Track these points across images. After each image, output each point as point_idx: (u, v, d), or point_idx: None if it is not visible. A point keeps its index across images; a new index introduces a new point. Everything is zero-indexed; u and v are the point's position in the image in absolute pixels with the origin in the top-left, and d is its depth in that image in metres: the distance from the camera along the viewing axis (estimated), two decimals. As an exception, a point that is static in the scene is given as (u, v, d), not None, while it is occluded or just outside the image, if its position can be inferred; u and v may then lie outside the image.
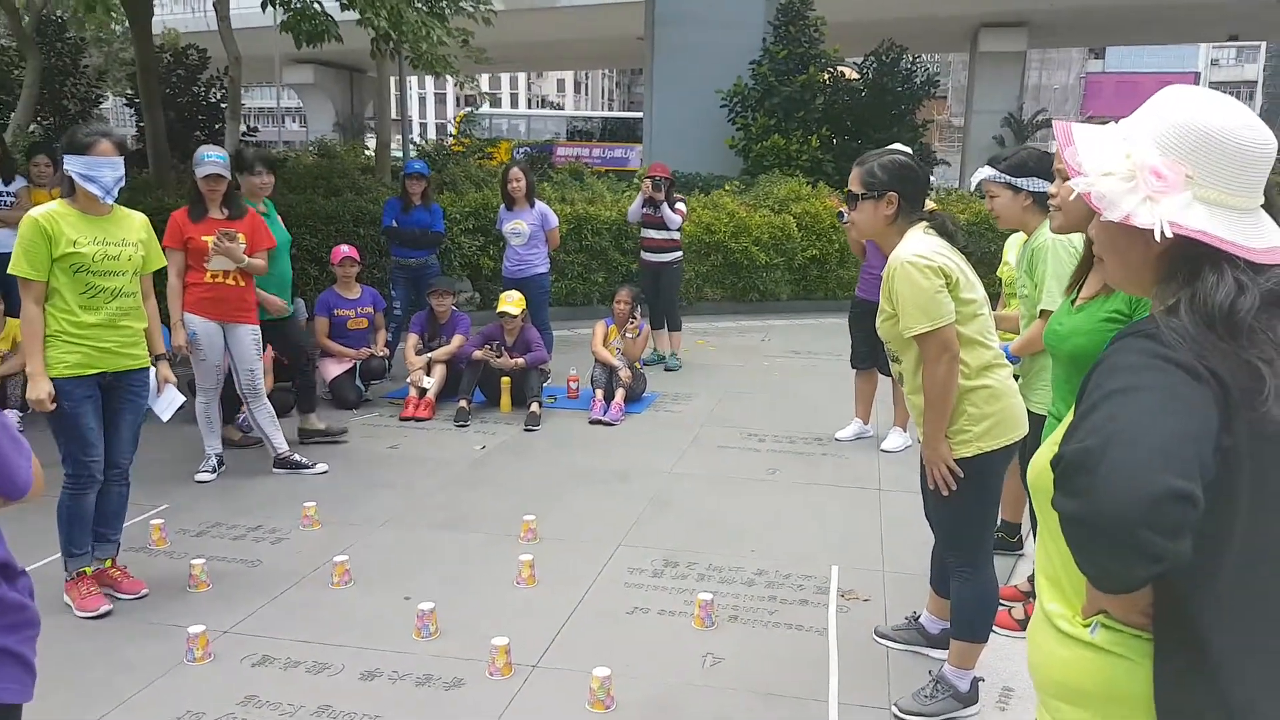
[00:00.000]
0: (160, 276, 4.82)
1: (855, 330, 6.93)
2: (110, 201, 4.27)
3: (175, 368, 4.77)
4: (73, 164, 4.13)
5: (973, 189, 4.08)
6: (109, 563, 4.44)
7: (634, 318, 8.04)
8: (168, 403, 4.66)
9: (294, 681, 3.69)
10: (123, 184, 4.24)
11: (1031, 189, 3.89)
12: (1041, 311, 3.79)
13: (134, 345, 4.38)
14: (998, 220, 4.08)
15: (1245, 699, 1.36)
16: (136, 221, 4.45)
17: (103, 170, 4.14)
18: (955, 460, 3.23)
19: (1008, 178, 3.93)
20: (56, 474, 4.00)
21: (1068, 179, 1.50)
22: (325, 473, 6.11)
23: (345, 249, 8.07)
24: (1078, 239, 3.64)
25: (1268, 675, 1.39)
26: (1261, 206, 1.43)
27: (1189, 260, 1.39)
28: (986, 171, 4.01)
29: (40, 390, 4.08)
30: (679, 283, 9.52)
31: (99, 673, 3.74)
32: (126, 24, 11.49)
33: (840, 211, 3.33)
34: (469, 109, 40.19)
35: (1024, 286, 3.96)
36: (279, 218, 6.61)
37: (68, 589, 4.28)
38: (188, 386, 5.86)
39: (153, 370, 4.53)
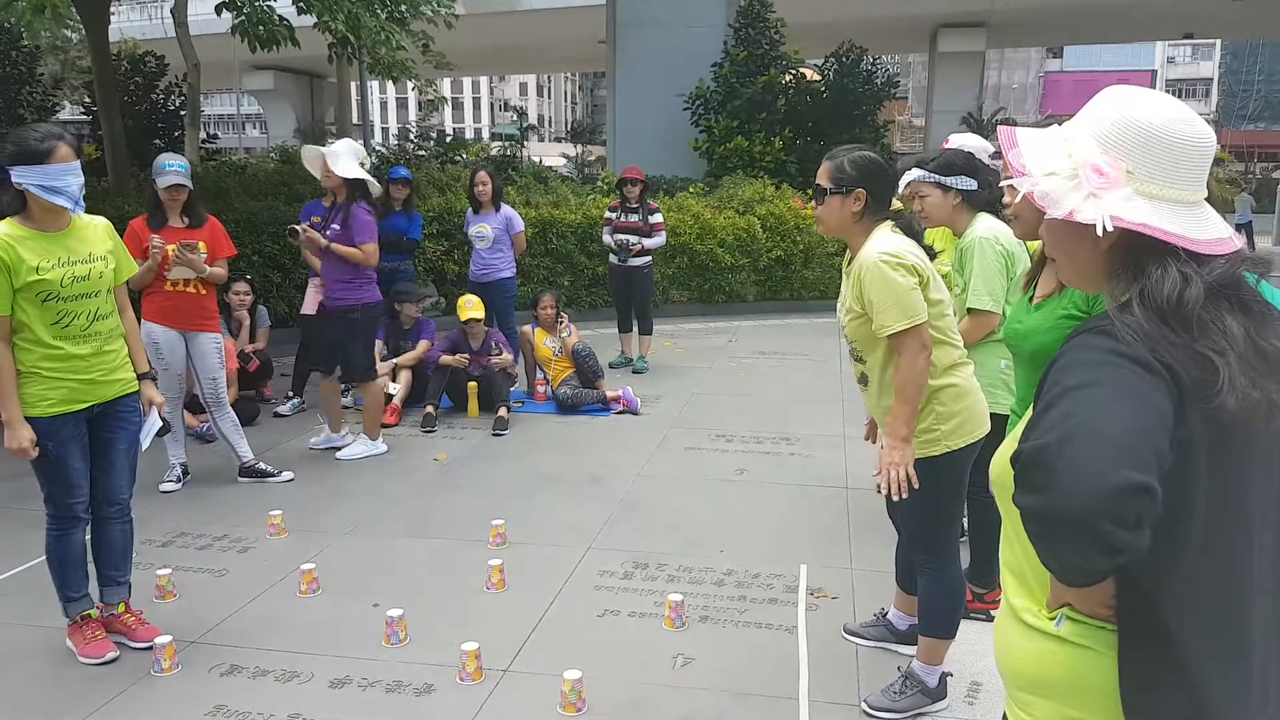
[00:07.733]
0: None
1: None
2: (80, 212, 3.71)
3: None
4: (29, 176, 3.50)
5: (901, 189, 4.03)
6: (121, 607, 4.01)
7: (561, 318, 8.11)
8: (149, 427, 4.09)
9: (263, 690, 3.66)
10: (83, 190, 3.66)
11: (960, 187, 3.95)
12: (970, 310, 3.85)
13: (119, 369, 3.88)
14: (925, 220, 4.01)
15: (1209, 685, 1.39)
16: (100, 230, 3.86)
17: (67, 178, 3.54)
18: (924, 459, 3.21)
19: (938, 177, 3.98)
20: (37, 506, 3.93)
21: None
22: (291, 480, 6.07)
23: None
24: (1005, 238, 3.71)
25: (1230, 661, 1.42)
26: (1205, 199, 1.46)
27: (1134, 254, 1.42)
28: (916, 172, 4.04)
29: (21, 438, 3.59)
30: (651, 286, 9.54)
31: (66, 685, 3.69)
32: (83, 31, 11.33)
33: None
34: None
35: (955, 285, 4.00)
36: None
37: (70, 634, 3.89)
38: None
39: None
